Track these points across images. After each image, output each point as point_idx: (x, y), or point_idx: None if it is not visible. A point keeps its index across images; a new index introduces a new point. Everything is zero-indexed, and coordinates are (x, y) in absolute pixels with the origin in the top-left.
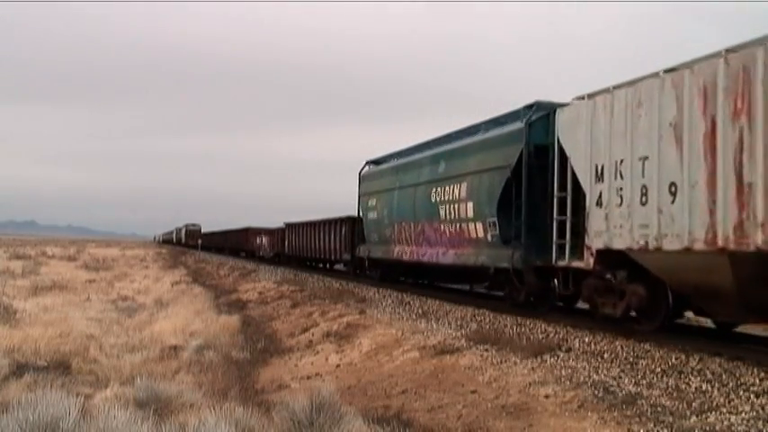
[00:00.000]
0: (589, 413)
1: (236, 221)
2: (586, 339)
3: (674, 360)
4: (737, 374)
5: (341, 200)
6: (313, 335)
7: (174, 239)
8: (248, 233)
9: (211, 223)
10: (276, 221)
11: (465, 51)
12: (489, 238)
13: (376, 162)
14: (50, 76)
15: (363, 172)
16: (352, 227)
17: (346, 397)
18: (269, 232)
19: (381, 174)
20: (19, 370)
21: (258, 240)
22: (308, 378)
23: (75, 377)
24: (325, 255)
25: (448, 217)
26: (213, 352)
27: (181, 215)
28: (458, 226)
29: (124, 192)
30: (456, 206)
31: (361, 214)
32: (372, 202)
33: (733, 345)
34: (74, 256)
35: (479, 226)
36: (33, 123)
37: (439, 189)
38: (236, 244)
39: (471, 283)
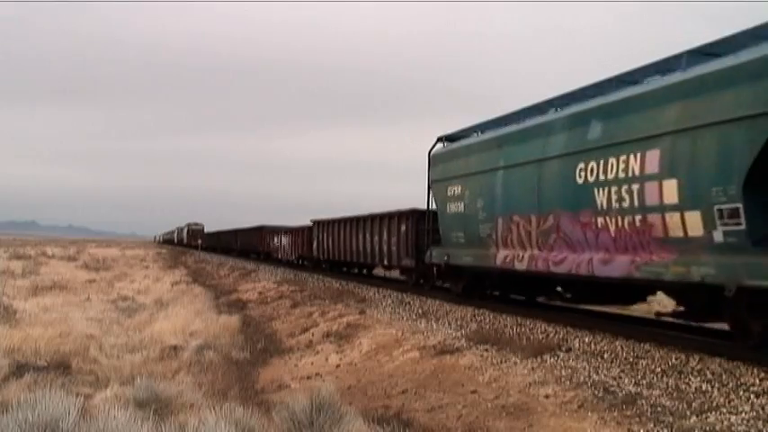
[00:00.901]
0: (589, 413)
1: (237, 222)
2: (586, 339)
3: (674, 360)
4: (737, 374)
5: (343, 199)
6: (313, 335)
7: (176, 239)
8: (263, 233)
9: (214, 223)
10: (278, 221)
11: (466, 49)
12: (719, 236)
13: (452, 138)
14: (50, 76)
15: (435, 151)
16: (417, 224)
17: (346, 397)
18: (291, 232)
19: (470, 150)
20: (19, 370)
21: (276, 241)
22: (308, 378)
23: (75, 377)
24: (374, 259)
25: (614, 205)
26: (213, 352)
27: (181, 215)
28: (638, 218)
29: (124, 192)
30: (634, 187)
31: (434, 207)
32: (455, 189)
33: (733, 345)
34: (74, 256)
35: (694, 217)
36: (33, 123)
37: (593, 164)
38: (247, 245)
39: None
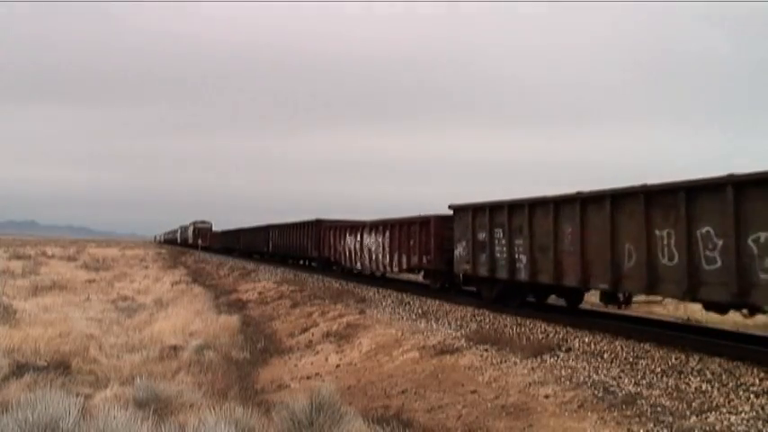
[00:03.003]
0: (589, 413)
1: (237, 222)
2: (586, 339)
3: (673, 360)
4: (737, 374)
5: (342, 200)
6: (313, 335)
7: (179, 239)
8: (322, 230)
9: (216, 224)
10: (277, 221)
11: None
12: None
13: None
14: (51, 76)
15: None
16: None
17: (346, 397)
18: (385, 226)
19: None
20: (19, 370)
21: (348, 242)
22: (308, 378)
23: (75, 377)
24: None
25: None
26: (213, 352)
27: (182, 215)
28: None
29: (124, 192)
30: None
31: None
32: None
33: (733, 345)
34: (74, 256)
35: None
36: (33, 123)
37: None
38: (287, 247)
39: None
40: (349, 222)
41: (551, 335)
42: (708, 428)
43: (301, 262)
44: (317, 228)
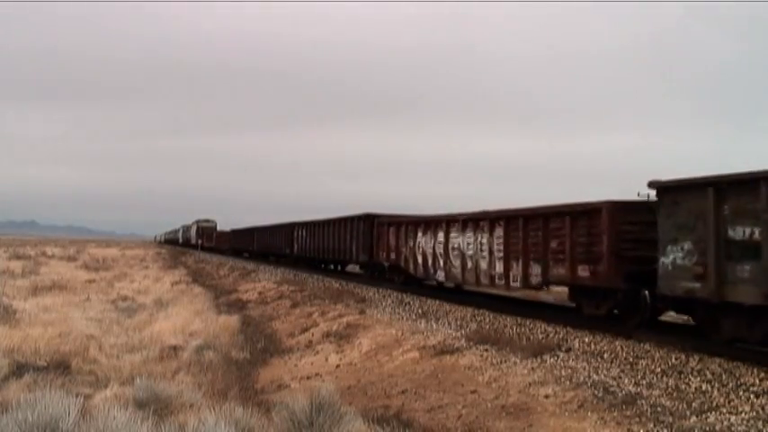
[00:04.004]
0: (589, 413)
1: (239, 222)
2: (586, 339)
3: (673, 360)
4: (737, 375)
5: (345, 201)
6: (313, 335)
7: (181, 240)
8: (375, 226)
9: (219, 224)
10: (276, 222)
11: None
12: None
13: None
14: (51, 76)
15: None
16: None
17: (346, 397)
18: (505, 220)
19: None
20: (19, 370)
21: (431, 243)
22: (308, 378)
23: (75, 377)
24: None
25: None
26: (213, 352)
27: (182, 215)
28: None
29: (124, 192)
30: None
31: None
32: None
33: (733, 345)
34: (74, 256)
35: None
36: (33, 123)
37: None
38: (319, 249)
39: None
40: (418, 217)
41: (551, 335)
42: (708, 428)
43: (335, 267)
44: (368, 224)
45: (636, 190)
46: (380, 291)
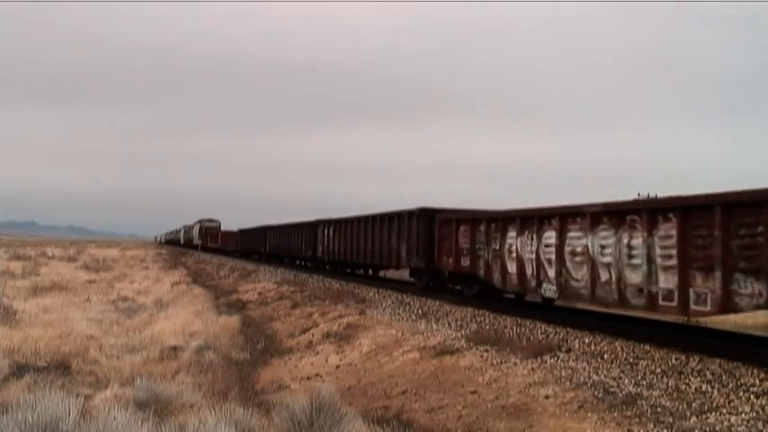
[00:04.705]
0: (589, 414)
1: (239, 223)
2: (586, 340)
3: (673, 361)
4: (737, 375)
5: (342, 201)
6: (313, 335)
7: (182, 240)
8: (438, 224)
9: (223, 224)
10: (277, 222)
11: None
12: None
13: None
14: (51, 76)
15: None
16: None
17: (346, 397)
18: (682, 212)
19: None
20: (19, 370)
21: (531, 246)
22: (308, 379)
23: (75, 378)
24: None
25: None
26: (213, 353)
27: (183, 215)
28: None
29: (124, 192)
30: None
31: None
32: None
33: (733, 345)
34: (74, 256)
35: None
36: (34, 123)
37: None
38: (352, 251)
39: None
40: (508, 212)
41: (551, 335)
42: (708, 429)
43: (365, 272)
44: (425, 221)
45: (635, 190)
46: (380, 291)
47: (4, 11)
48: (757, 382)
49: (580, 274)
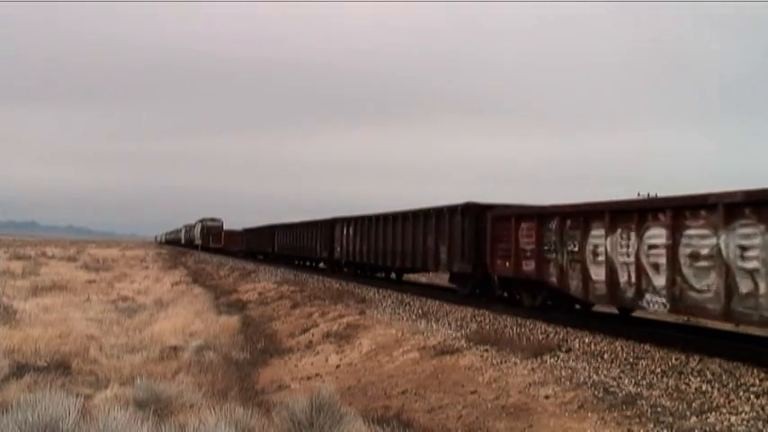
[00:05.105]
0: (589, 414)
1: (240, 223)
2: (586, 340)
3: (673, 361)
4: (737, 375)
5: (343, 201)
6: (313, 335)
7: (183, 240)
8: (491, 221)
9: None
10: (276, 223)
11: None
12: None
13: None
14: (51, 75)
15: None
16: None
17: (346, 397)
18: None
19: None
20: (19, 370)
21: (643, 248)
22: (308, 378)
23: (75, 377)
24: None
25: None
26: (213, 352)
27: (183, 215)
28: None
29: (124, 192)
30: None
31: None
32: None
33: (733, 345)
34: (74, 256)
35: None
36: (34, 123)
37: None
38: (375, 253)
39: None
40: (587, 205)
41: (551, 335)
42: (708, 429)
43: (387, 275)
44: (473, 219)
45: (635, 191)
46: (380, 291)
47: (5, 11)
48: (757, 381)
49: (705, 284)
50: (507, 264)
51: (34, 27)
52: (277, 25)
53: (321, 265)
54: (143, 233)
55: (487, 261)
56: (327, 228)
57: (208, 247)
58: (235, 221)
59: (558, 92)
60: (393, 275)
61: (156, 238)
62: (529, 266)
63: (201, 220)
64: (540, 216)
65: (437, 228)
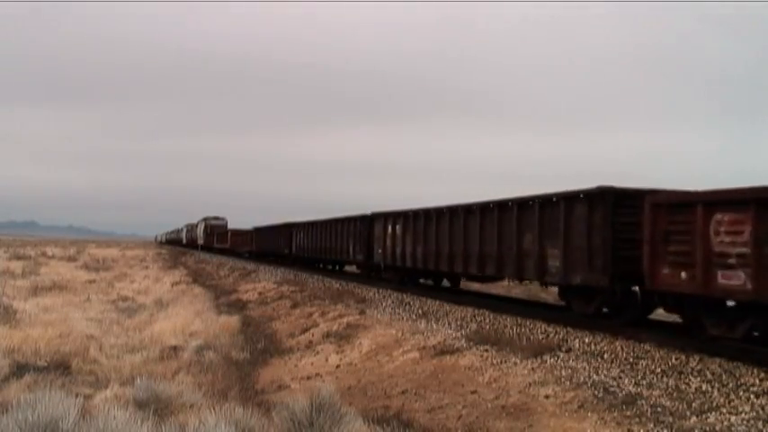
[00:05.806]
0: (589, 413)
1: (240, 223)
2: (586, 340)
3: (674, 360)
4: (737, 375)
5: (342, 201)
6: (313, 335)
7: (185, 240)
8: (648, 210)
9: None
10: (274, 222)
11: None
12: None
13: None
14: (51, 76)
15: None
16: None
17: (346, 397)
18: None
19: None
20: (19, 370)
21: None
22: (308, 378)
23: (75, 377)
24: None
25: None
26: (213, 352)
27: (183, 215)
28: None
29: (124, 192)
30: None
31: None
32: None
33: (733, 345)
34: (74, 256)
35: None
36: (34, 123)
37: None
38: (443, 256)
39: None
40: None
41: (551, 335)
42: (708, 429)
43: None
44: (607, 209)
45: None
46: (380, 291)
47: (4, 11)
48: (757, 381)
49: None
50: (684, 274)
51: (34, 27)
52: (277, 25)
53: (354, 269)
54: (143, 233)
55: (645, 270)
56: (364, 225)
57: (211, 247)
58: (235, 221)
59: (564, 92)
60: (445, 282)
61: (156, 237)
62: (733, 279)
63: (205, 219)
64: (759, 202)
65: (541, 222)
